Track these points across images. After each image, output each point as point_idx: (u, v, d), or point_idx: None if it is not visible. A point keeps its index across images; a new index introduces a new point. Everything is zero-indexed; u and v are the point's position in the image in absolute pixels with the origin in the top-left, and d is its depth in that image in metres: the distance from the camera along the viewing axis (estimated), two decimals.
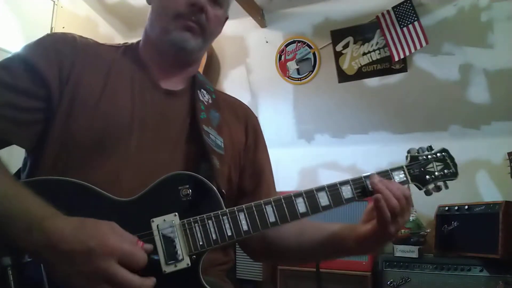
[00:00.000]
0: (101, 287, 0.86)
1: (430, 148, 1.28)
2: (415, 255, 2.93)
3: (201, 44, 1.25)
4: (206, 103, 1.30)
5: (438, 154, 1.27)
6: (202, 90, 1.33)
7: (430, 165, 1.25)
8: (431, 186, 1.24)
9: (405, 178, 1.22)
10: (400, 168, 1.23)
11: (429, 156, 1.26)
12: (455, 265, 2.79)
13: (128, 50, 1.30)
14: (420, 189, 1.24)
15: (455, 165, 1.27)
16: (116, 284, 0.87)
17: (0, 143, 1.08)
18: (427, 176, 1.24)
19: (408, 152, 1.27)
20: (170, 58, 1.27)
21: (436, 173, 1.25)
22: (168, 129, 1.20)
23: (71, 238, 0.87)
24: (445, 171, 1.26)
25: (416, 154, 1.26)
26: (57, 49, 1.15)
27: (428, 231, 3.03)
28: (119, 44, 1.32)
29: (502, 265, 2.63)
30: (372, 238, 1.16)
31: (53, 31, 3.53)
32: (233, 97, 1.48)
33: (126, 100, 1.17)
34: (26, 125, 1.09)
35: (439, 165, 1.26)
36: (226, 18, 1.37)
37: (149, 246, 0.96)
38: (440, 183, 1.25)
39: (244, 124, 1.39)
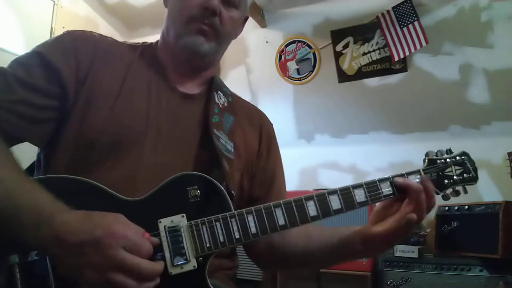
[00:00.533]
0: (112, 275, 0.86)
1: (449, 151, 1.22)
2: (415, 255, 2.94)
3: (215, 48, 1.24)
4: (221, 106, 1.29)
5: (458, 158, 1.21)
6: (219, 92, 1.32)
7: (449, 169, 1.19)
8: (449, 190, 1.19)
9: None
10: (416, 172, 1.17)
11: (448, 160, 1.20)
12: (455, 265, 2.79)
13: (146, 50, 1.28)
14: (437, 194, 1.17)
15: (475, 169, 1.21)
16: (126, 270, 0.87)
17: (13, 140, 1.06)
18: (446, 181, 1.18)
19: (426, 155, 1.21)
20: (185, 62, 1.26)
21: (455, 178, 1.19)
22: (183, 133, 1.19)
23: (78, 229, 0.87)
24: (465, 175, 1.20)
25: (434, 157, 1.20)
26: (76, 48, 1.14)
27: (428, 231, 3.04)
28: (138, 43, 1.31)
29: (502, 265, 2.63)
30: (385, 239, 1.14)
31: (53, 31, 3.53)
32: (249, 103, 1.47)
33: (142, 103, 1.17)
34: (39, 123, 1.09)
35: (458, 169, 1.20)
36: (247, 18, 1.36)
37: (155, 240, 0.96)
38: (459, 188, 1.20)
39: (259, 131, 1.37)
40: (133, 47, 1.28)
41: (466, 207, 2.87)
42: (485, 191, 3.20)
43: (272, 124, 1.45)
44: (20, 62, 1.09)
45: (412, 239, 2.98)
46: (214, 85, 1.31)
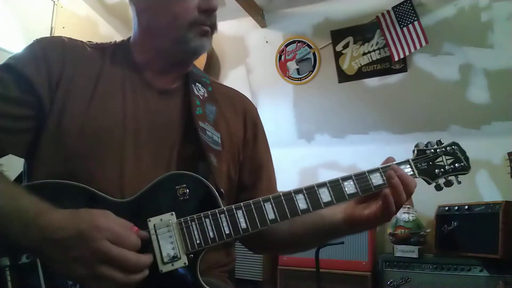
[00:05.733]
0: (99, 268, 0.87)
1: (439, 142, 1.23)
2: (415, 255, 2.94)
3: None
4: (201, 97, 1.27)
5: (448, 148, 1.22)
6: (197, 84, 1.30)
7: (439, 159, 1.20)
8: (441, 180, 1.20)
9: (411, 172, 1.17)
10: (406, 162, 1.19)
11: (438, 150, 1.21)
12: (455, 265, 2.80)
13: (118, 50, 1.26)
14: (429, 183, 1.19)
15: (466, 158, 1.22)
16: (112, 262, 0.88)
17: None
18: (436, 170, 1.19)
19: (416, 146, 1.22)
20: (178, 62, 1.25)
21: (446, 167, 1.20)
22: (164, 129, 1.18)
23: (64, 225, 0.89)
24: (456, 165, 1.20)
25: (424, 148, 1.22)
26: (46, 55, 1.14)
27: (428, 231, 3.03)
28: (110, 42, 1.30)
29: (502, 265, 2.64)
30: (370, 223, 1.15)
31: (53, 31, 3.53)
32: (232, 89, 1.44)
33: (117, 103, 1.16)
34: (18, 134, 1.09)
35: (449, 159, 1.21)
36: None
37: (144, 233, 0.97)
38: (451, 178, 1.20)
39: (243, 117, 1.36)
40: (103, 48, 1.26)
41: (466, 207, 2.88)
42: (485, 191, 3.21)
43: (256, 108, 1.43)
44: None
45: (412, 239, 2.98)
46: (190, 77, 1.30)
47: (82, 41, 1.25)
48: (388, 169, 1.14)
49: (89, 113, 1.11)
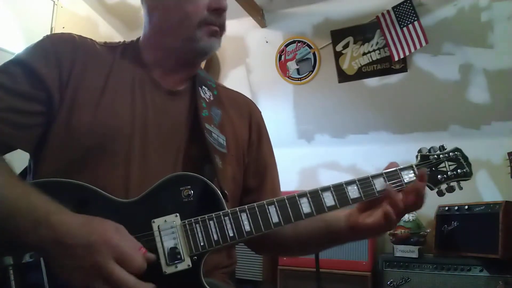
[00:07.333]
0: (97, 283, 0.86)
1: (442, 148, 1.23)
2: (415, 255, 2.94)
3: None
4: (207, 100, 1.28)
5: (451, 154, 1.22)
6: (204, 87, 1.31)
7: (442, 165, 1.21)
8: (443, 186, 1.20)
9: (415, 178, 1.17)
10: (409, 167, 1.18)
11: (441, 156, 1.21)
12: (455, 265, 2.80)
13: (127, 49, 1.27)
14: (431, 189, 1.19)
15: (469, 164, 1.23)
16: (110, 282, 0.87)
17: (4, 147, 1.07)
18: (439, 176, 1.19)
19: (419, 151, 1.22)
20: (187, 62, 1.26)
21: (449, 173, 1.20)
22: (171, 129, 1.19)
23: (76, 232, 0.88)
24: (458, 171, 1.21)
25: (427, 153, 1.22)
26: (56, 51, 1.14)
27: (428, 231, 3.04)
28: (119, 42, 1.31)
29: (502, 265, 2.64)
30: (374, 231, 1.15)
31: (53, 31, 3.53)
32: (236, 92, 1.46)
33: (126, 102, 1.16)
34: (28, 129, 1.09)
35: (452, 165, 1.21)
36: None
37: (151, 256, 0.96)
38: (454, 183, 1.21)
39: (248, 120, 1.37)
40: (113, 47, 1.27)
41: (466, 207, 2.88)
42: (485, 191, 3.21)
43: (260, 112, 1.45)
44: (2, 70, 1.10)
45: (412, 239, 2.98)
46: (197, 80, 1.31)
47: (91, 39, 1.26)
48: (391, 173, 1.15)
49: (99, 111, 1.12)
